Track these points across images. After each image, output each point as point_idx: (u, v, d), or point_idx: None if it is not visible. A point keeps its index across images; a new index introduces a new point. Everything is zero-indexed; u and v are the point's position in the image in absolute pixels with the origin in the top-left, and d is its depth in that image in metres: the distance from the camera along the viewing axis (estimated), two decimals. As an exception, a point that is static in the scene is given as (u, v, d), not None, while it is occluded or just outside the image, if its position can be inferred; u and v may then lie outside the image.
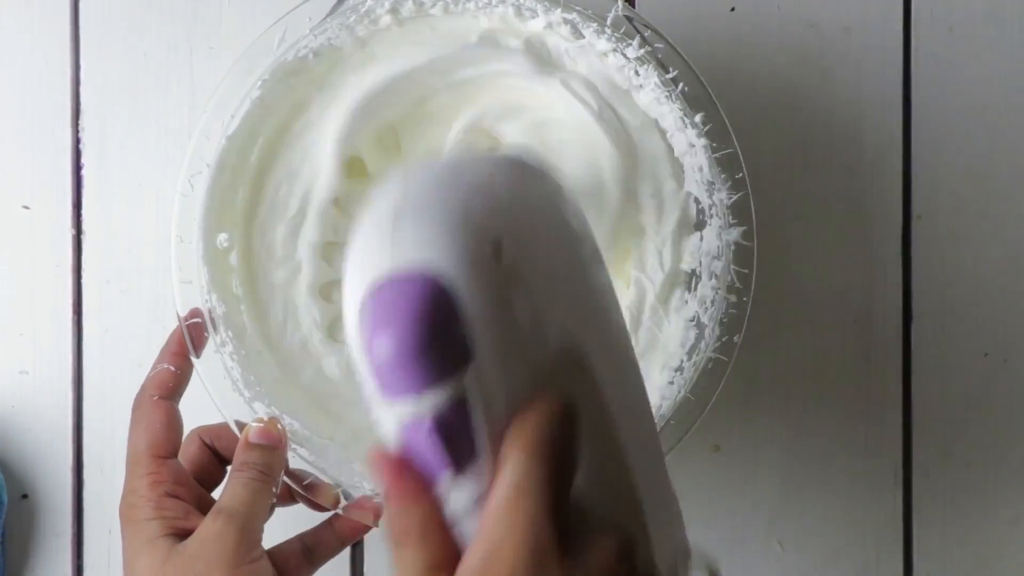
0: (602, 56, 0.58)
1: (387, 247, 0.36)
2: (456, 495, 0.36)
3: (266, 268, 0.59)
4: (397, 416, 0.36)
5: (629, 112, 0.59)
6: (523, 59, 0.58)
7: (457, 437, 0.35)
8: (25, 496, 0.66)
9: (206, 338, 0.56)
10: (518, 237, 0.37)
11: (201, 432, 0.57)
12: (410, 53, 0.58)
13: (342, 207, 0.60)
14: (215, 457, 0.57)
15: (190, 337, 0.56)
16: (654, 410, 0.57)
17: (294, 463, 0.55)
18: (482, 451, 0.36)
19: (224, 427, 0.56)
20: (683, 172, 0.59)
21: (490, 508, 0.36)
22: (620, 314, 0.43)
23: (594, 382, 0.39)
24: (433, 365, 0.35)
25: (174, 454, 0.54)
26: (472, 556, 0.36)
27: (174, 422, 0.55)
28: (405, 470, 0.36)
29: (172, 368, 0.55)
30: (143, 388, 0.55)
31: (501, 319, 0.36)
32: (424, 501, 0.37)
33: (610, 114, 0.58)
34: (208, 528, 0.51)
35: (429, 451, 0.36)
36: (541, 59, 0.59)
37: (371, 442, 0.43)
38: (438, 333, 0.35)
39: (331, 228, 0.59)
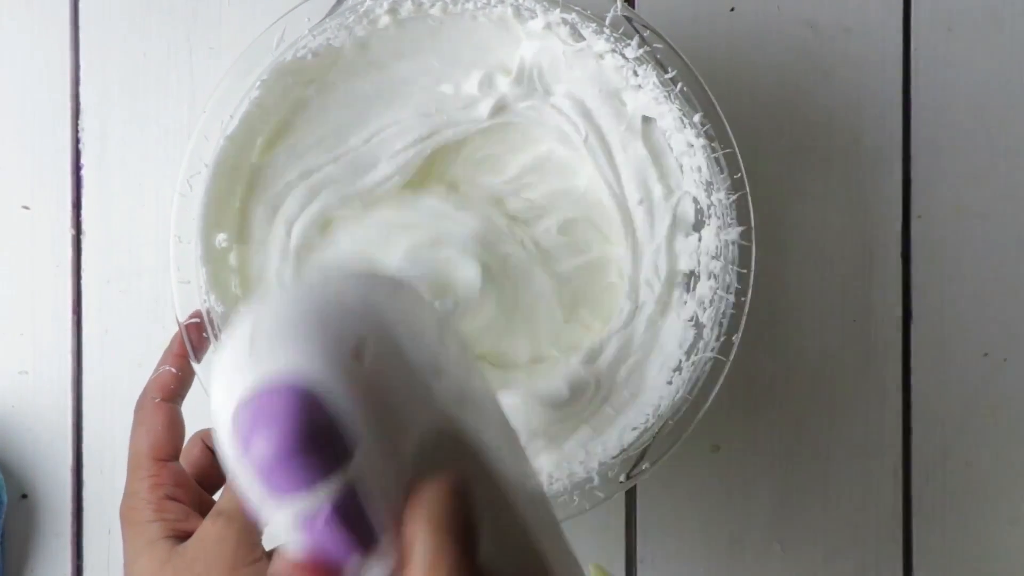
0: (598, 58, 0.59)
1: (250, 362, 0.37)
2: None
3: (264, 268, 0.59)
4: (292, 515, 0.36)
5: (616, 120, 0.59)
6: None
7: (355, 523, 0.37)
8: (25, 496, 0.66)
9: (208, 341, 0.56)
10: (377, 338, 0.38)
11: (203, 435, 0.57)
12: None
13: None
14: (216, 460, 0.57)
15: (191, 341, 0.56)
16: (653, 410, 0.57)
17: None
18: (382, 533, 0.37)
19: None
20: (670, 176, 0.59)
21: None
22: (493, 397, 0.45)
23: (482, 458, 0.41)
24: (316, 459, 0.36)
25: (175, 456, 0.54)
26: None
27: (176, 424, 0.55)
28: (315, 573, 0.37)
29: (174, 370, 0.55)
30: (145, 390, 0.55)
31: (375, 410, 0.37)
32: None
33: (594, 138, 0.59)
34: (208, 530, 0.51)
35: (331, 541, 0.37)
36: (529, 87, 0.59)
37: None
38: (313, 430, 0.36)
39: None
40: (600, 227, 0.61)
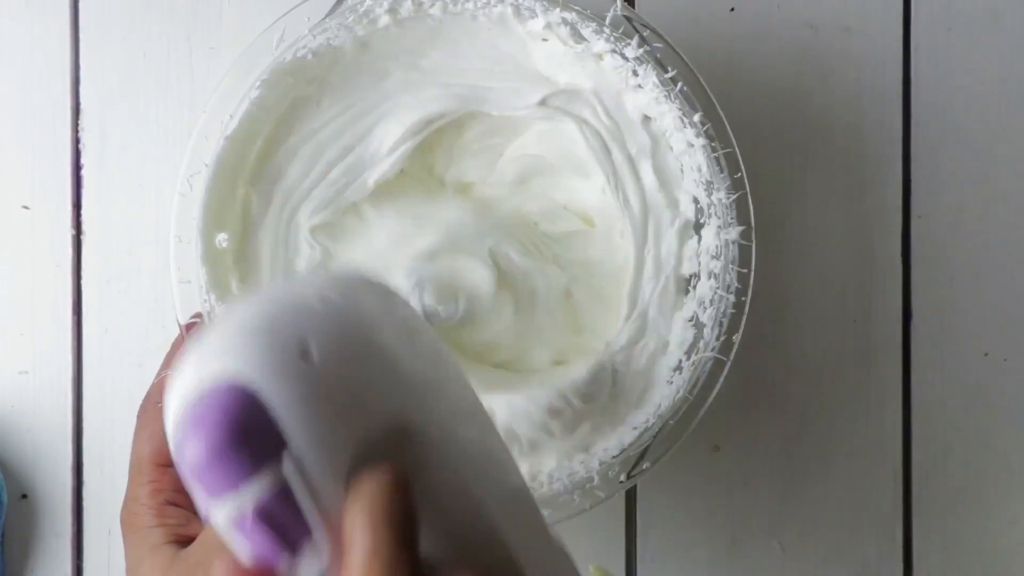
0: (597, 58, 0.59)
1: (192, 366, 0.38)
2: (304, 573, 0.38)
3: (265, 267, 0.59)
4: (226, 514, 0.37)
5: (617, 121, 0.59)
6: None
7: (285, 521, 0.37)
8: (25, 496, 0.66)
9: None
10: (329, 337, 0.39)
11: None
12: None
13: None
14: None
15: None
16: (654, 409, 0.57)
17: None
18: (316, 529, 0.37)
19: None
20: (670, 176, 0.59)
21: None
22: (462, 384, 0.45)
23: (440, 452, 0.41)
24: (245, 458, 0.36)
25: None
26: None
27: None
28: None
29: None
30: (148, 395, 0.55)
31: (314, 409, 0.37)
32: None
33: (596, 140, 0.59)
34: (209, 535, 0.51)
35: (261, 541, 0.37)
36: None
37: None
38: (245, 428, 0.36)
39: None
40: (604, 230, 0.61)
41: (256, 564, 0.37)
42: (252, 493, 0.36)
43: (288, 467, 0.37)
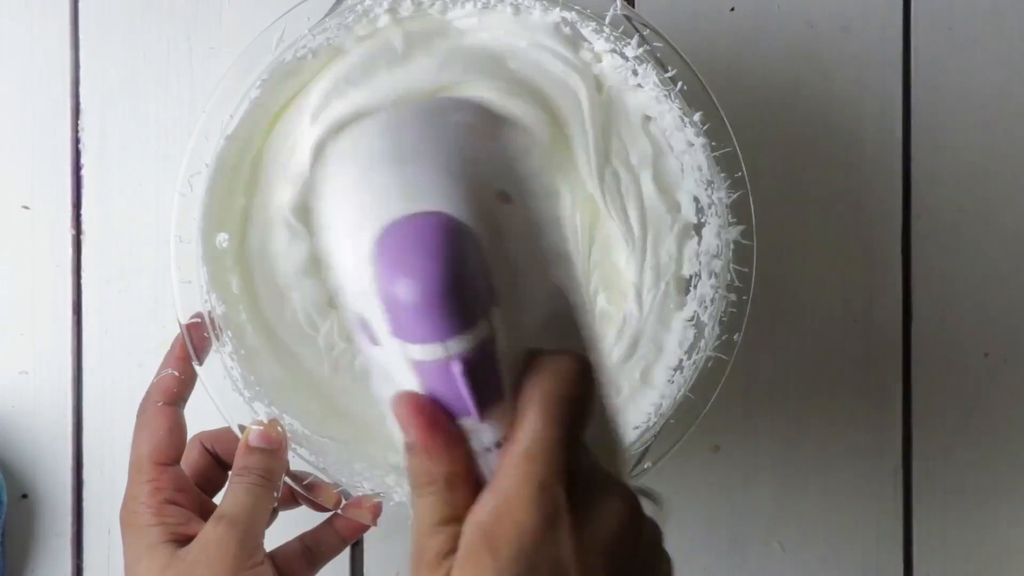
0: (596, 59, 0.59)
1: (395, 189, 0.35)
2: (478, 437, 0.37)
3: (265, 267, 0.59)
4: (417, 359, 0.35)
5: (617, 120, 0.59)
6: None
7: (483, 381, 0.35)
8: (25, 496, 0.66)
9: (209, 343, 0.56)
10: (518, 188, 0.37)
11: (202, 437, 0.57)
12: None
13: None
14: (216, 462, 0.57)
15: (192, 344, 0.55)
16: (654, 409, 0.57)
17: (294, 463, 0.55)
18: (507, 394, 0.36)
19: (225, 432, 0.56)
20: (671, 176, 0.59)
21: (504, 465, 0.36)
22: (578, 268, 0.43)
23: (586, 339, 0.40)
24: (460, 308, 0.34)
25: (177, 460, 0.54)
26: (482, 509, 0.36)
27: (177, 428, 0.54)
28: (435, 417, 0.37)
29: (176, 373, 0.55)
30: (147, 394, 0.55)
31: (515, 266, 0.36)
32: (454, 450, 0.37)
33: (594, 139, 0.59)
34: (209, 534, 0.51)
35: (454, 395, 0.35)
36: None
37: (376, 437, 0.43)
38: (465, 274, 0.34)
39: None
40: (604, 228, 0.61)
41: (440, 413, 0.36)
42: (462, 344, 0.34)
43: (497, 322, 0.35)
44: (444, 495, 0.37)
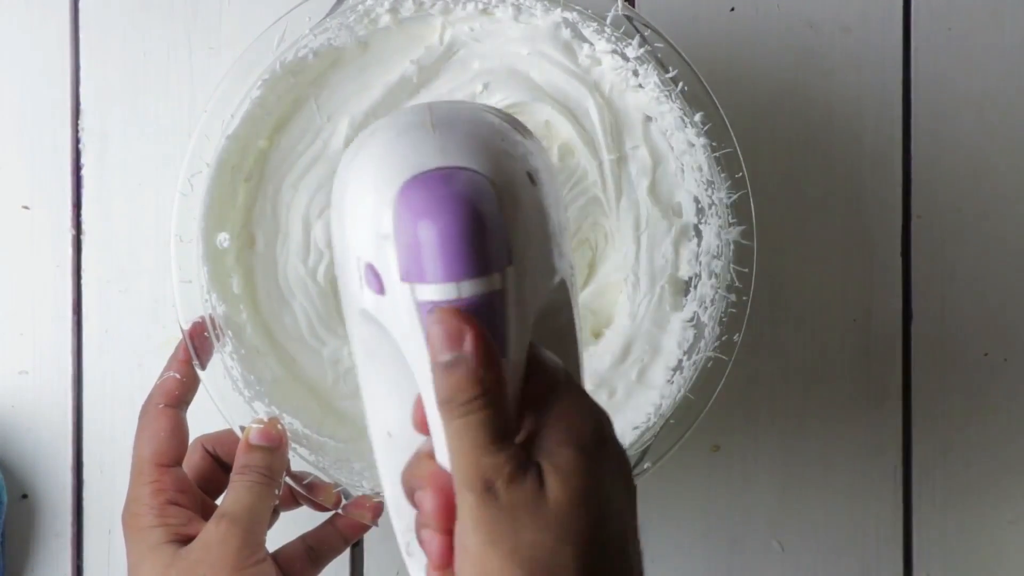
0: (596, 63, 0.59)
1: (429, 147, 0.36)
2: None
3: (269, 269, 0.59)
4: (427, 299, 0.36)
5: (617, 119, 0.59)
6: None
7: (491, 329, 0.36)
8: (25, 496, 0.66)
9: (212, 346, 0.56)
10: (540, 172, 0.39)
11: (204, 440, 0.57)
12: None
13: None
14: (218, 464, 0.57)
15: (194, 347, 0.55)
16: (654, 409, 0.57)
17: (294, 463, 0.55)
18: (508, 355, 0.37)
19: (226, 434, 0.56)
20: (670, 175, 0.59)
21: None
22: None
23: (572, 307, 0.42)
24: (478, 252, 0.35)
25: (178, 462, 0.54)
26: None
27: (179, 430, 0.54)
28: (486, 332, 0.36)
29: (178, 376, 0.55)
30: (150, 396, 0.55)
31: (530, 240, 0.37)
32: (500, 360, 0.37)
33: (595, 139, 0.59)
34: (211, 532, 0.51)
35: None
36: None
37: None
38: (487, 224, 0.35)
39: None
40: (603, 227, 0.61)
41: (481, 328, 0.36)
42: (471, 290, 0.36)
43: (509, 280, 0.36)
44: (500, 406, 0.37)
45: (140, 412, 0.55)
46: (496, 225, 0.36)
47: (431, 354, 0.36)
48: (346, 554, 0.65)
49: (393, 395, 0.43)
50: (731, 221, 0.58)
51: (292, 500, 0.57)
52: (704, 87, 0.57)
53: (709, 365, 0.57)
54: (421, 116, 0.38)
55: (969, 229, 0.68)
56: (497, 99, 0.59)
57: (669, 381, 0.58)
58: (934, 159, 0.68)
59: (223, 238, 0.57)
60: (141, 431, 0.54)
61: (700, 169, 0.58)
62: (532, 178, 0.38)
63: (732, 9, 0.68)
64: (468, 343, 0.36)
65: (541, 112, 0.59)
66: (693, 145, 0.58)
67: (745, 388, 0.67)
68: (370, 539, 0.65)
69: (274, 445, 0.54)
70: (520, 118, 0.59)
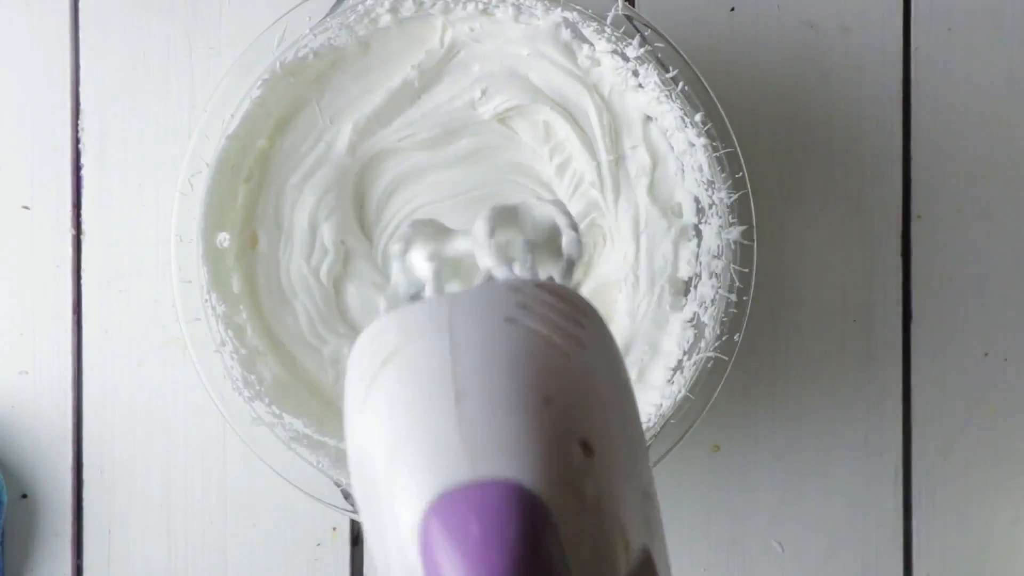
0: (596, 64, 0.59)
1: (453, 442, 0.27)
2: None
3: (270, 269, 0.59)
4: None
5: (617, 120, 0.59)
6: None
7: None
8: (25, 496, 0.66)
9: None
10: (599, 428, 0.29)
11: None
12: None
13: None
14: None
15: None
16: (654, 409, 0.57)
17: (294, 463, 0.55)
18: None
19: None
20: (670, 176, 0.59)
21: None
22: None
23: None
24: None
25: None
26: None
27: None
28: None
29: None
30: None
31: (595, 533, 0.28)
32: None
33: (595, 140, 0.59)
34: None
35: None
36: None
37: None
38: (536, 561, 0.27)
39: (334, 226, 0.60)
40: (602, 227, 0.61)
41: None
42: None
43: None
44: None
45: None
46: (550, 556, 0.27)
47: None
48: (346, 554, 0.65)
49: None
50: (731, 221, 0.58)
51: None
52: (704, 87, 0.57)
53: (709, 365, 0.57)
54: (441, 360, 0.28)
55: (969, 229, 0.68)
56: (497, 102, 0.59)
57: (669, 381, 0.58)
58: (934, 159, 0.68)
59: (223, 238, 0.57)
60: None
61: (700, 169, 0.58)
62: (588, 446, 0.28)
63: (732, 9, 0.68)
64: None
65: (540, 113, 0.59)
66: (693, 145, 0.58)
67: (745, 388, 0.67)
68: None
69: None
70: (520, 120, 0.59)
